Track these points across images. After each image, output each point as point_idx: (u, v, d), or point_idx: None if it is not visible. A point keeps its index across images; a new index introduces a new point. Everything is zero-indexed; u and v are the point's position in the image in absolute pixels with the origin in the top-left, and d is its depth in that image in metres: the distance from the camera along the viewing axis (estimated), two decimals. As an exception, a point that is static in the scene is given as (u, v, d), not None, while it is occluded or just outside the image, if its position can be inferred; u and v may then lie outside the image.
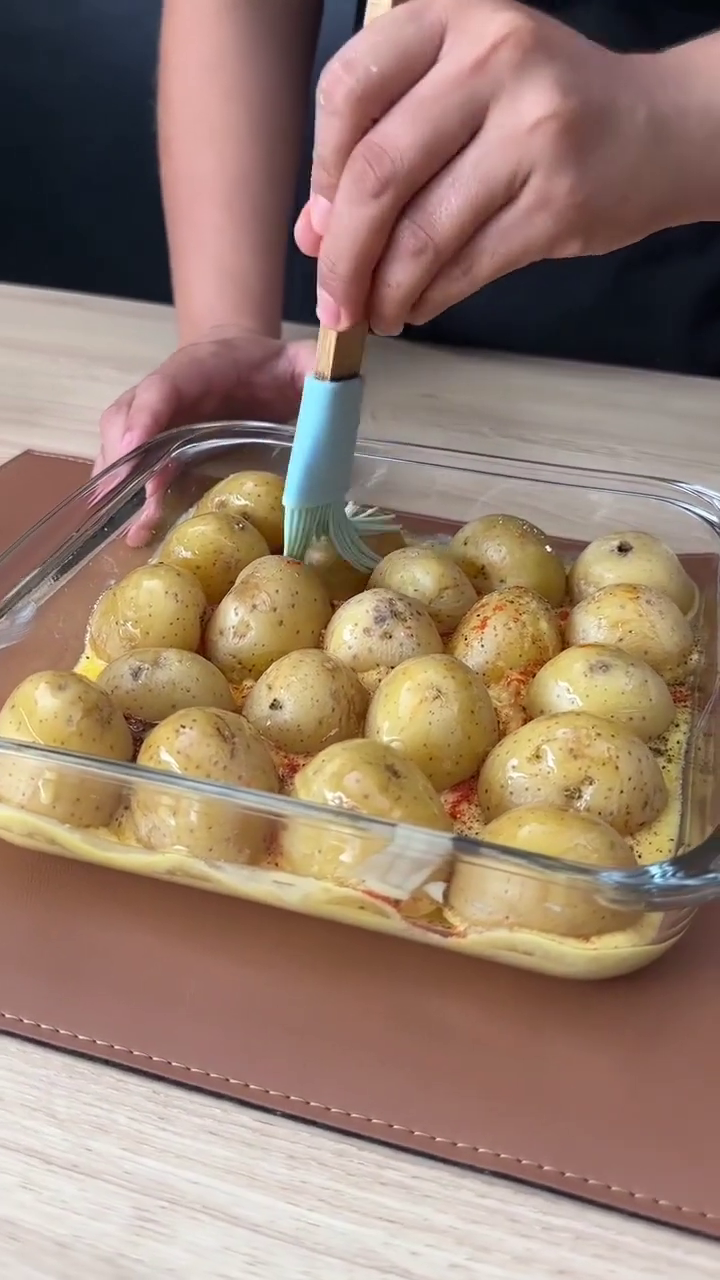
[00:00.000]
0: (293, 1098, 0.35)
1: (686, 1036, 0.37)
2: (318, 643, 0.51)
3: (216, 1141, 0.35)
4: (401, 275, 0.45)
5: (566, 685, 0.46)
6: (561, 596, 0.56)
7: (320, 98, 0.44)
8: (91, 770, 0.39)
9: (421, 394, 0.83)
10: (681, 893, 0.35)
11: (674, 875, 0.35)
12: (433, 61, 0.43)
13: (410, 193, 0.44)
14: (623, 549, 0.55)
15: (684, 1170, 0.34)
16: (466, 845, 0.36)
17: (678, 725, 0.48)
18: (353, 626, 0.50)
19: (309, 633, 0.51)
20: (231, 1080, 0.36)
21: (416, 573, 0.53)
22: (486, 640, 0.50)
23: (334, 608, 0.52)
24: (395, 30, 0.43)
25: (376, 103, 0.43)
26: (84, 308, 1.01)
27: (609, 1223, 0.33)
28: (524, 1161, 0.34)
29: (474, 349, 0.89)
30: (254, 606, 0.50)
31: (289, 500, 0.52)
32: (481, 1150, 0.34)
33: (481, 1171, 0.34)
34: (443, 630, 0.53)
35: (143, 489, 0.58)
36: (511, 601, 0.51)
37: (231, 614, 0.50)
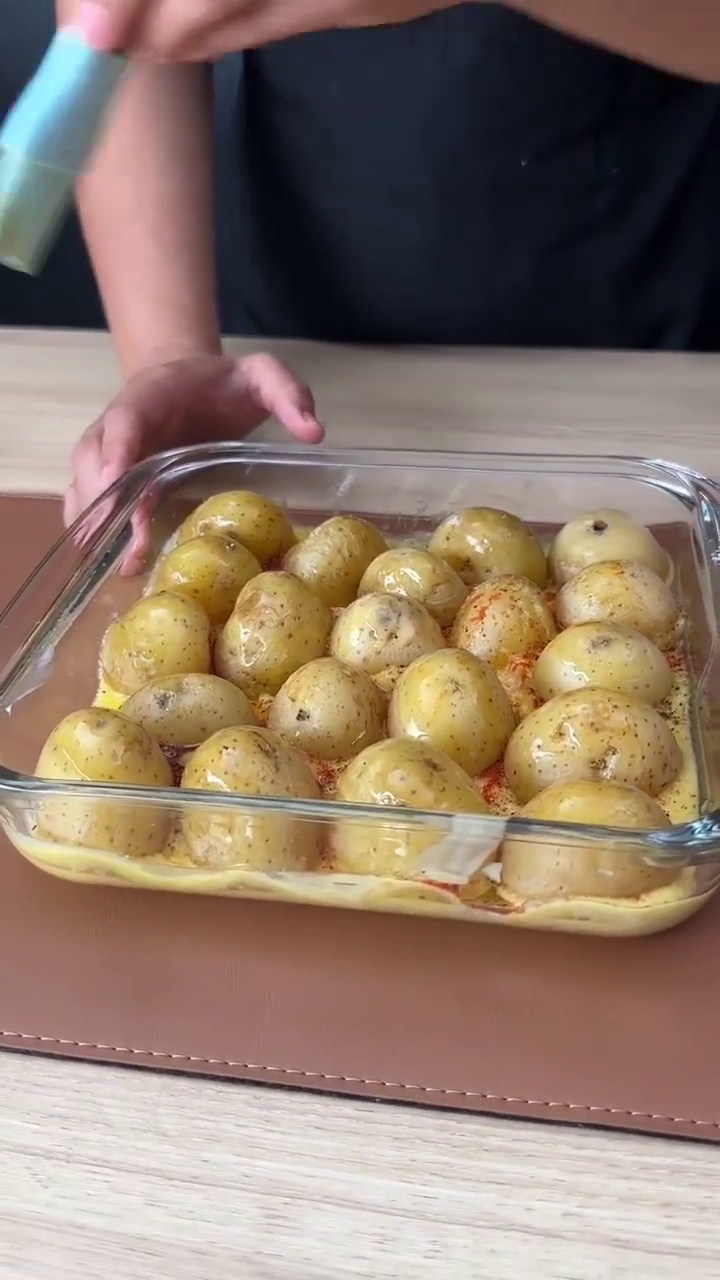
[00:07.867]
0: (387, 1084, 0.37)
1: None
2: (324, 650, 0.53)
3: (324, 1135, 0.37)
4: (191, 11, 0.44)
5: (573, 664, 0.49)
6: (545, 579, 0.59)
7: None
8: (150, 800, 0.40)
9: (362, 395, 0.85)
10: (722, 844, 0.38)
11: (715, 829, 0.38)
12: None
13: None
14: (598, 527, 0.58)
15: (759, 1097, 0.36)
16: (521, 826, 0.38)
17: (678, 689, 0.50)
18: (359, 630, 0.52)
19: (316, 641, 0.53)
20: (327, 1076, 0.38)
21: (408, 572, 0.55)
22: (487, 629, 0.52)
23: (331, 614, 0.54)
24: None
25: None
26: (17, 342, 1.00)
27: (699, 1154, 0.36)
28: (613, 1110, 0.36)
29: (407, 345, 0.90)
30: (261, 624, 0.52)
31: (22, 142, 0.46)
32: (572, 1106, 0.37)
33: (575, 1125, 0.36)
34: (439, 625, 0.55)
35: (128, 520, 0.59)
36: (505, 590, 0.53)
37: (241, 633, 0.52)
